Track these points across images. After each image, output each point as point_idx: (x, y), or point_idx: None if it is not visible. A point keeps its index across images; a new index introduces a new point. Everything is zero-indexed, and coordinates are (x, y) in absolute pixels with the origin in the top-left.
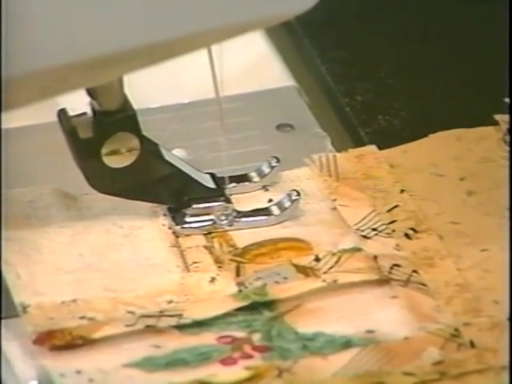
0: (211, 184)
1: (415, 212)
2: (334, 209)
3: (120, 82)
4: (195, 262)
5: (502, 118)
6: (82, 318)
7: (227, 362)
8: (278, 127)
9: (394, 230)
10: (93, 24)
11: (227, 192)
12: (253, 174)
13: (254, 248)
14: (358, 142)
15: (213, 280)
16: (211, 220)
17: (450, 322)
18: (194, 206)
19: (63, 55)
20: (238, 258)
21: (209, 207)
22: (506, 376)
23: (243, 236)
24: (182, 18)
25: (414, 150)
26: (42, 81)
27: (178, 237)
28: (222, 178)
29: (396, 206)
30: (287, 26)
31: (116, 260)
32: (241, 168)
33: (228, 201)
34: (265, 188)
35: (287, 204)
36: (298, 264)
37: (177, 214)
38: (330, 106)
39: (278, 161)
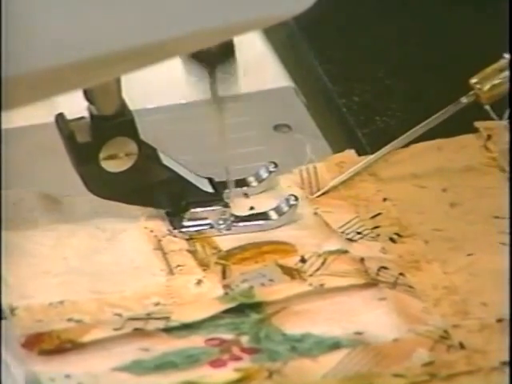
0: (209, 188)
1: (399, 219)
2: (317, 214)
3: (118, 86)
4: (179, 265)
5: (483, 125)
6: (70, 320)
7: (216, 363)
8: (276, 128)
9: (378, 235)
10: (93, 24)
11: (225, 196)
12: (251, 179)
13: (237, 252)
14: (355, 143)
15: (199, 282)
16: (209, 224)
17: (438, 323)
18: (192, 210)
19: (62, 55)
20: (223, 261)
21: (207, 211)
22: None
23: (226, 239)
24: (180, 18)
25: (395, 159)
26: (41, 81)
27: (160, 240)
28: (220, 182)
29: (379, 214)
30: (285, 26)
31: (101, 263)
32: (238, 168)
33: (226, 205)
34: (246, 195)
35: (285, 209)
36: (284, 265)
37: (175, 218)
38: (327, 107)
39: (276, 165)
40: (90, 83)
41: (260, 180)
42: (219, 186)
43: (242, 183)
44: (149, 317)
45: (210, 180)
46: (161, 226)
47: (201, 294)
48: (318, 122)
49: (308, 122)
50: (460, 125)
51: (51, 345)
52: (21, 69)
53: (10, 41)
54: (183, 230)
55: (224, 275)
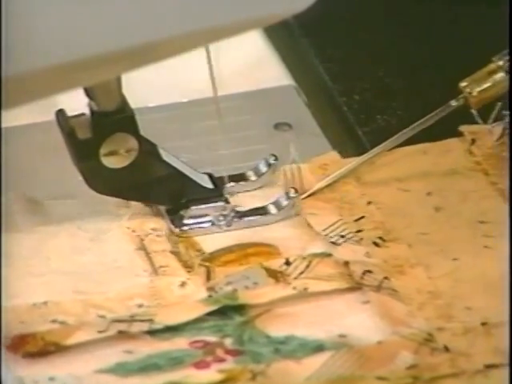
0: (209, 184)
1: (383, 223)
2: (301, 216)
3: (118, 82)
4: (162, 266)
5: (467, 129)
6: (54, 321)
7: (200, 365)
8: (276, 126)
9: (362, 238)
10: (93, 23)
11: (225, 192)
12: (250, 173)
13: (222, 254)
14: (356, 142)
15: (183, 284)
16: (209, 221)
17: (423, 326)
18: (193, 207)
19: (63, 54)
20: (207, 263)
21: (207, 208)
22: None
23: (209, 240)
24: (180, 17)
25: (379, 163)
26: (40, 80)
27: (142, 240)
28: (220, 178)
29: (363, 217)
30: (285, 25)
31: (83, 264)
32: (239, 167)
33: (226, 201)
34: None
35: (284, 203)
36: (269, 267)
37: (175, 216)
38: (327, 106)
39: (276, 158)
40: (90, 82)
41: (259, 174)
42: (219, 182)
43: (241, 178)
44: (133, 319)
45: (210, 176)
46: (143, 226)
47: (184, 296)
48: (318, 121)
49: (309, 120)
50: (445, 129)
51: (35, 347)
52: (20, 68)
53: (10, 40)
54: (184, 227)
55: (208, 277)
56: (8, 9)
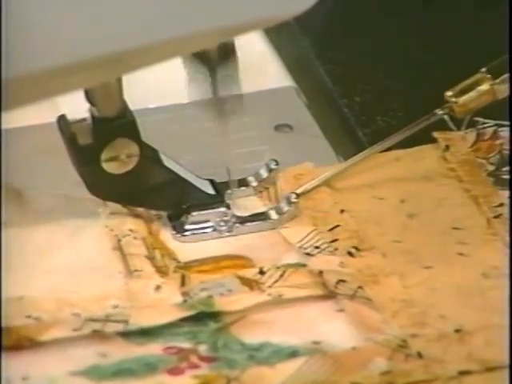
0: (210, 190)
1: (357, 231)
2: (275, 228)
3: (119, 88)
4: (137, 270)
5: (441, 136)
6: (28, 317)
7: (174, 371)
8: (277, 128)
9: (336, 249)
10: (93, 24)
11: (226, 198)
12: (251, 179)
13: (196, 265)
14: (357, 143)
15: (158, 288)
16: (211, 227)
17: (397, 333)
18: (194, 213)
19: (62, 55)
20: (182, 270)
21: (208, 214)
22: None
23: (185, 251)
24: (181, 19)
25: (352, 170)
26: (41, 81)
27: (120, 240)
28: (222, 183)
29: (337, 226)
30: (286, 26)
31: (60, 260)
32: (239, 169)
33: (227, 207)
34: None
35: (285, 208)
36: (243, 276)
37: (176, 222)
38: (328, 107)
39: (277, 163)
40: (89, 84)
41: (260, 179)
42: (221, 188)
43: (241, 183)
44: (107, 319)
45: (212, 182)
46: (121, 226)
47: (160, 300)
48: (319, 122)
49: (309, 122)
50: (418, 135)
51: (9, 341)
52: (21, 69)
53: (10, 41)
54: (186, 233)
55: (183, 283)
56: (7, 10)
